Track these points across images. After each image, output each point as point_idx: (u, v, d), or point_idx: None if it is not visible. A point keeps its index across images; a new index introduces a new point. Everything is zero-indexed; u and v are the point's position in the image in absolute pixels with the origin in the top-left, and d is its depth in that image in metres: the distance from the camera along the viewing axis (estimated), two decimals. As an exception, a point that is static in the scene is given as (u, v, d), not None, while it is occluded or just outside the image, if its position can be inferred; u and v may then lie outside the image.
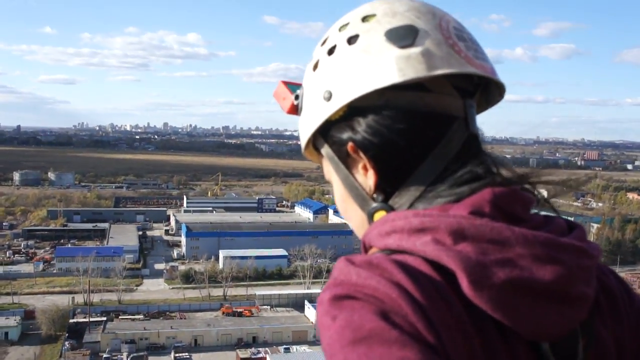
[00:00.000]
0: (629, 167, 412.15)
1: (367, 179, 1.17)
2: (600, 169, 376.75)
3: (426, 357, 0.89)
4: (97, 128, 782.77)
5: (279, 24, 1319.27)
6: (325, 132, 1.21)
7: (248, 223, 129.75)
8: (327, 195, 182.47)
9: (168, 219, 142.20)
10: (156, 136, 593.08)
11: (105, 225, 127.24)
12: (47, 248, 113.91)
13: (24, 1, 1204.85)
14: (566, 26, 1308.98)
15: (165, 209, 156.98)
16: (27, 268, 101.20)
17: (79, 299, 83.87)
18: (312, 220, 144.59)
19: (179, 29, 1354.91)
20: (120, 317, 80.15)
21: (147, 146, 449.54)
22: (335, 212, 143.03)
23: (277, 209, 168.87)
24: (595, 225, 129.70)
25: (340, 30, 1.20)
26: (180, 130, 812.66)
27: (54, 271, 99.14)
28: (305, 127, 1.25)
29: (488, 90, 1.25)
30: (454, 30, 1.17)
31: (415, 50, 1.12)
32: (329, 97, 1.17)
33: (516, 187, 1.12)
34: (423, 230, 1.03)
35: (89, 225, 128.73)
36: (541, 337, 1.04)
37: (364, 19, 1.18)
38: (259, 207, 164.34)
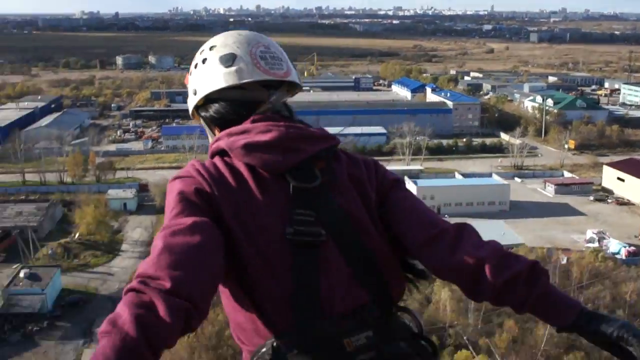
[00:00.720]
0: None
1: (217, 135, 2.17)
2: None
3: (189, 188, 1.95)
4: (192, 12, 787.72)
5: None
6: (198, 110, 2.24)
7: (346, 101, 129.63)
8: (424, 75, 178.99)
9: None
10: (249, 18, 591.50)
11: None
12: (154, 127, 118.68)
13: None
14: None
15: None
16: (137, 146, 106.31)
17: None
18: (409, 98, 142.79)
19: None
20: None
21: (241, 28, 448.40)
22: (433, 90, 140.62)
23: (374, 88, 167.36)
24: None
25: (200, 54, 2.19)
26: (273, 12, 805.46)
27: (162, 148, 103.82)
28: (189, 106, 2.27)
29: (293, 82, 2.22)
30: (259, 53, 2.13)
31: (233, 69, 2.10)
32: (195, 93, 2.19)
33: (272, 114, 2.12)
34: (219, 139, 2.10)
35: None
36: (279, 169, 1.99)
37: (211, 48, 2.18)
38: (356, 86, 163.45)
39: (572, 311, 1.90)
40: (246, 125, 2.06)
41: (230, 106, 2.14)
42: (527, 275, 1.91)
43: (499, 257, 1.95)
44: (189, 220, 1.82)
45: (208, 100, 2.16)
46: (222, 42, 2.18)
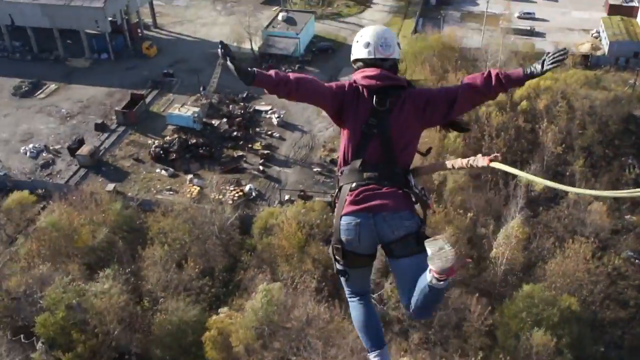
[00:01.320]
0: None
1: None
2: None
3: (340, 84, 5.42)
4: None
5: None
6: (352, 62, 5.67)
7: None
8: None
9: None
10: None
11: None
12: None
13: None
14: None
15: None
16: None
17: None
18: None
19: None
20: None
21: None
22: None
23: None
24: None
25: (356, 37, 5.55)
26: None
27: None
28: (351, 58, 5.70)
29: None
30: (380, 43, 5.38)
31: (367, 50, 5.41)
32: (352, 55, 5.55)
33: (380, 69, 5.36)
34: (354, 74, 5.44)
35: None
36: (374, 88, 5.24)
37: (361, 36, 5.49)
38: None
39: (530, 73, 4.92)
40: (364, 70, 5.34)
41: (364, 63, 5.42)
42: (505, 74, 5.00)
43: (492, 75, 5.04)
44: (327, 84, 5.36)
45: (354, 60, 5.49)
46: (365, 34, 5.45)
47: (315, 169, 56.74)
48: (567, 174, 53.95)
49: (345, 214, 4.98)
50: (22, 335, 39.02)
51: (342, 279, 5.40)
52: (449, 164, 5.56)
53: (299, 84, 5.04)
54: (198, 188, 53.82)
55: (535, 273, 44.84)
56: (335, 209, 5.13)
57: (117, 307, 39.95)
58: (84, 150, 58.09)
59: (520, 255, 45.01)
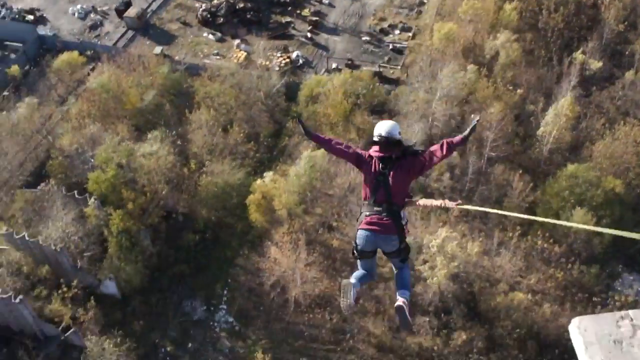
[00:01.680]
0: None
1: None
2: None
3: (354, 149, 8.89)
4: None
5: None
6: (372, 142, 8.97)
7: None
8: None
9: None
10: None
11: None
12: None
13: None
14: None
15: None
16: None
17: None
18: None
19: None
20: None
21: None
22: None
23: None
24: None
25: (375, 127, 8.83)
26: None
27: None
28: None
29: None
30: (385, 130, 8.57)
31: (378, 136, 8.61)
32: (372, 137, 8.87)
33: (385, 149, 8.57)
34: (369, 149, 8.79)
35: None
36: (379, 157, 8.52)
37: (376, 128, 8.73)
38: None
39: (465, 136, 8.42)
40: (374, 146, 8.62)
41: (376, 142, 8.63)
42: (450, 141, 8.50)
43: (444, 144, 8.49)
44: (352, 148, 8.81)
45: (373, 141, 8.68)
46: (380, 128, 8.61)
47: (364, 38, 55.49)
48: (627, 53, 51.63)
49: (361, 229, 8.33)
50: (75, 192, 40.62)
51: (358, 262, 8.81)
52: (423, 202, 8.85)
53: (336, 145, 8.68)
54: (245, 53, 53.42)
55: (582, 153, 44.12)
56: (357, 224, 8.50)
57: (164, 168, 41.09)
58: (131, 12, 57.67)
59: (567, 134, 44.11)
